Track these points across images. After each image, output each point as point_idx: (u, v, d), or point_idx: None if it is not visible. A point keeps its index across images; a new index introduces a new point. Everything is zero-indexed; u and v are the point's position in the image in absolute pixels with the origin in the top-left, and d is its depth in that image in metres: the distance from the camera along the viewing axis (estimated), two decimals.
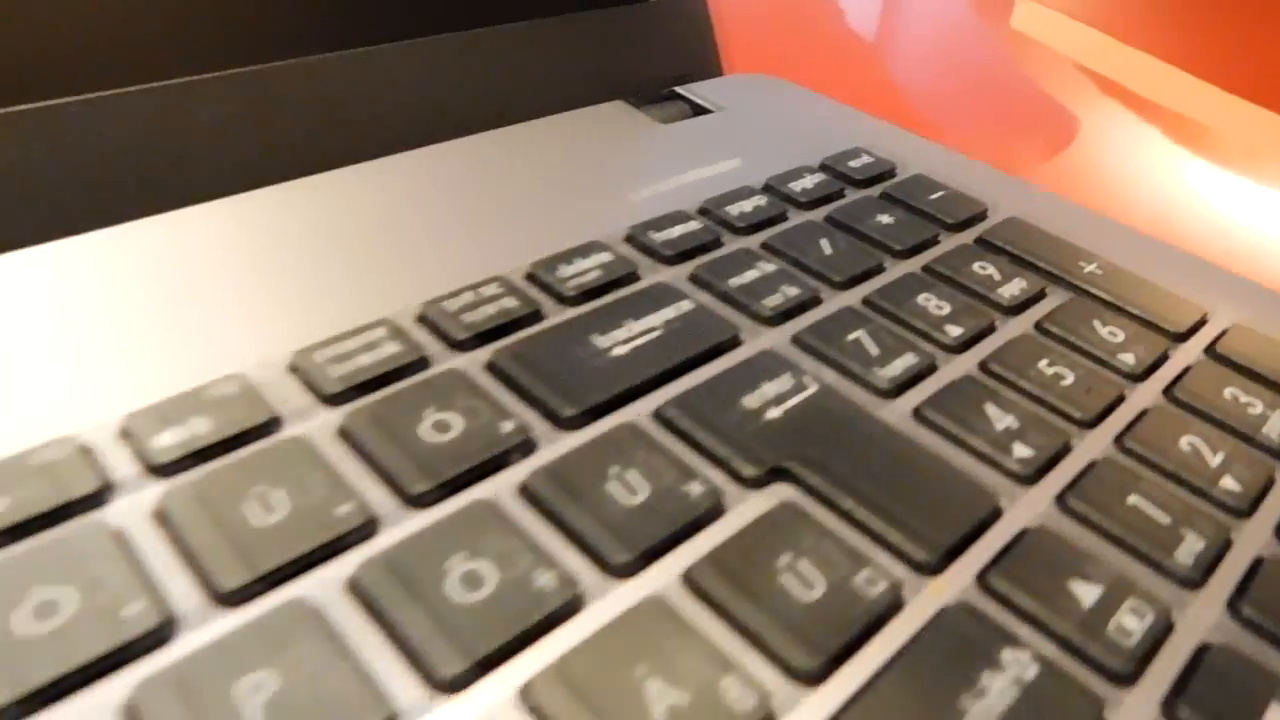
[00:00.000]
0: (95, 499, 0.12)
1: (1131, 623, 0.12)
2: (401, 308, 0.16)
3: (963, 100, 0.40)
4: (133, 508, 0.12)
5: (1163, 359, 0.17)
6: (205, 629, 0.11)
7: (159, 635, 0.10)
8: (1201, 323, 0.19)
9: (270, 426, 0.13)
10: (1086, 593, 0.12)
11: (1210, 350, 0.18)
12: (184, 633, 0.11)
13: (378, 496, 0.13)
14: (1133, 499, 0.14)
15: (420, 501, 0.13)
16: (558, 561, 0.12)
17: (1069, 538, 0.13)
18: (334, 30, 0.21)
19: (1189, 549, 0.13)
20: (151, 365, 0.14)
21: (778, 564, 0.12)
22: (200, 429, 0.13)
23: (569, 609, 0.11)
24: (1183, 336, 0.18)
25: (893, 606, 0.12)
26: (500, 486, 0.13)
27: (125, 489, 0.12)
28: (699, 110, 0.25)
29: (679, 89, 0.26)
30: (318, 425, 0.13)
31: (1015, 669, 0.11)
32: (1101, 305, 0.19)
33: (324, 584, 0.11)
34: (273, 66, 0.20)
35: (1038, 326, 0.18)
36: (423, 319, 0.16)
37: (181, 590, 0.11)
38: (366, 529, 0.12)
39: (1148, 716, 0.11)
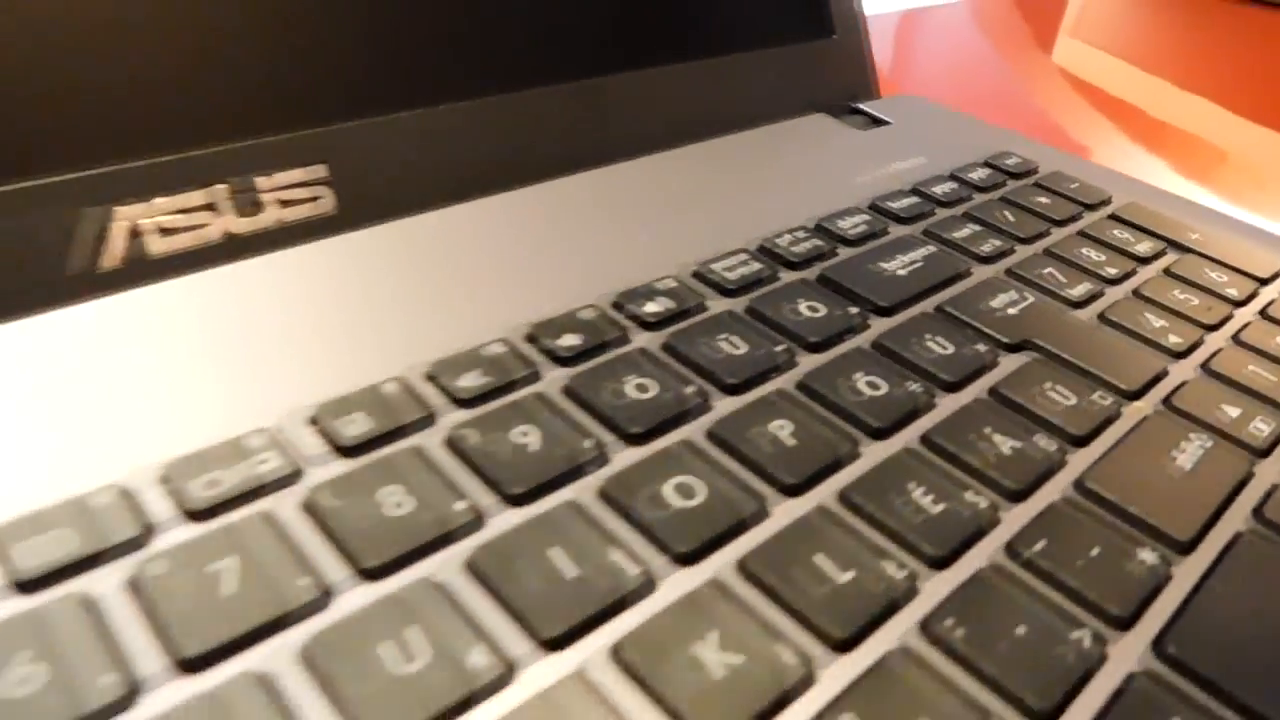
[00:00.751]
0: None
1: (1260, 429, 0.19)
2: (748, 240, 0.24)
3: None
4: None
5: (1255, 293, 0.25)
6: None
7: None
8: (1279, 273, 0.26)
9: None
10: (1231, 412, 0.20)
11: None
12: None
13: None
14: (1249, 369, 0.21)
15: (814, 346, 0.20)
16: (900, 384, 0.19)
17: (1214, 387, 0.21)
18: (598, 59, 0.29)
19: None
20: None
21: (1034, 392, 0.19)
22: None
23: (910, 418, 0.19)
24: (1267, 280, 0.26)
25: (1113, 416, 0.19)
26: (858, 342, 0.20)
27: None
28: (876, 121, 0.33)
29: (857, 105, 0.34)
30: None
31: (1194, 448, 0.19)
32: (1206, 259, 0.26)
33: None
34: (574, 85, 0.28)
35: (1165, 271, 0.25)
36: (761, 249, 0.23)
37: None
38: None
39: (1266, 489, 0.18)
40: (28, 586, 0.13)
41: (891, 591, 0.14)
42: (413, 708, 0.12)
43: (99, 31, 0.20)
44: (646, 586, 0.14)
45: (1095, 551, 0.16)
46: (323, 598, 0.13)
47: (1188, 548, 0.16)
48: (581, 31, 0.27)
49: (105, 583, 0.13)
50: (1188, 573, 0.16)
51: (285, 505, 0.15)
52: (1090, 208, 0.28)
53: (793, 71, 0.33)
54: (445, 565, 0.14)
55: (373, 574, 0.14)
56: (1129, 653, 0.14)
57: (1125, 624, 0.15)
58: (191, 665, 0.12)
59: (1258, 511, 0.17)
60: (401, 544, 0.14)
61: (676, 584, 0.14)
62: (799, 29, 0.33)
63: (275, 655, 0.13)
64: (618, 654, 0.13)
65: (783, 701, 0.13)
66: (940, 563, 0.15)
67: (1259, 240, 0.28)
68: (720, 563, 0.15)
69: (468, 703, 0.12)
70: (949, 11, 0.65)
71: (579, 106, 0.27)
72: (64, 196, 0.19)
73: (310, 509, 0.15)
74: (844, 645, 0.14)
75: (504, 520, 0.15)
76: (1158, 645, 0.14)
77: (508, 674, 0.13)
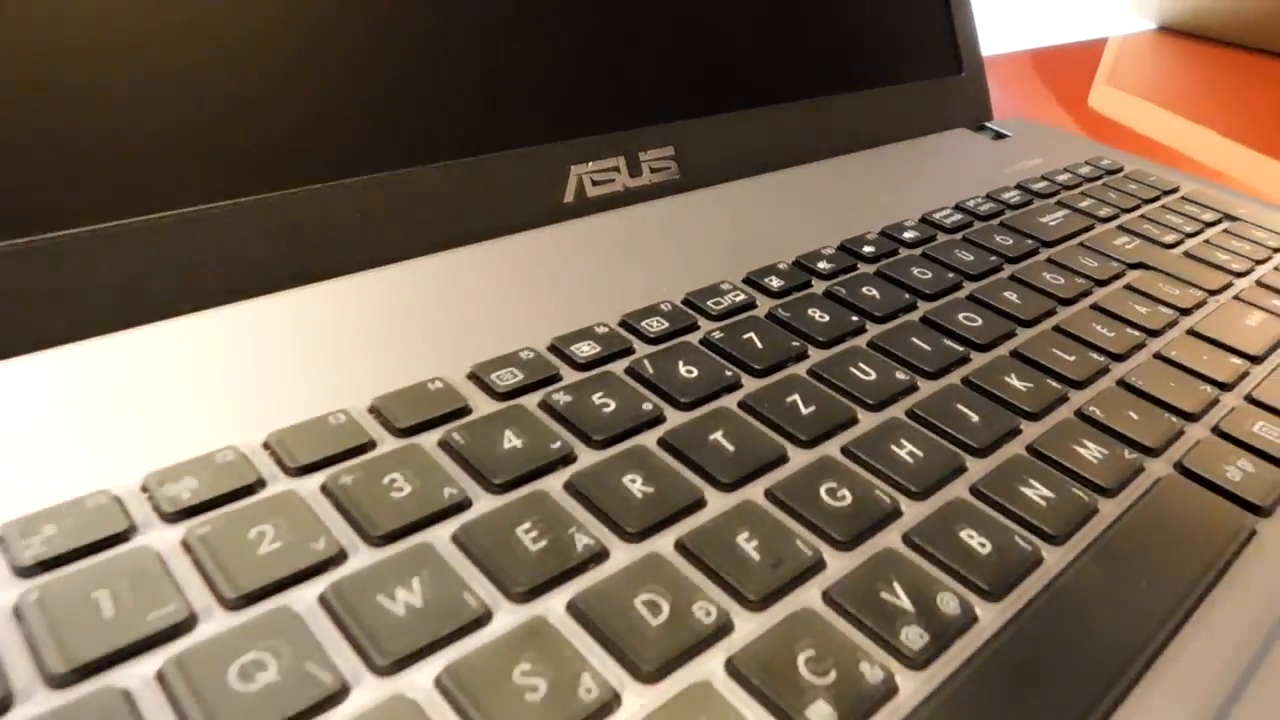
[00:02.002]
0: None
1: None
2: (948, 202, 0.35)
3: None
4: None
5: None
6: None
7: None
8: None
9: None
10: (1275, 302, 0.31)
11: None
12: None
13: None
14: None
15: (1014, 260, 0.31)
16: (1072, 280, 0.31)
17: (1262, 291, 0.32)
18: (816, 85, 0.41)
19: None
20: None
21: (1154, 289, 0.31)
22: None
23: (1081, 298, 0.30)
24: None
25: (1204, 301, 0.31)
26: (1038, 259, 0.32)
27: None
28: (998, 135, 0.45)
29: (983, 123, 0.46)
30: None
31: (1258, 315, 0.30)
32: (1254, 227, 0.38)
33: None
34: (765, 109, 0.40)
35: (1225, 230, 0.37)
36: (957, 207, 0.35)
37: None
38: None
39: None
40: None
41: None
42: None
43: (571, 65, 0.32)
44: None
45: (1255, 320, 0.27)
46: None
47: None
48: (803, 65, 0.39)
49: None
50: None
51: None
52: (1166, 193, 0.40)
53: (936, 98, 0.45)
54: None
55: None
56: None
57: None
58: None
59: None
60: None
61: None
62: (940, 68, 0.46)
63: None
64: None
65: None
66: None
67: None
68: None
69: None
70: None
71: (803, 118, 0.39)
72: (550, 156, 0.31)
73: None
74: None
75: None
76: None
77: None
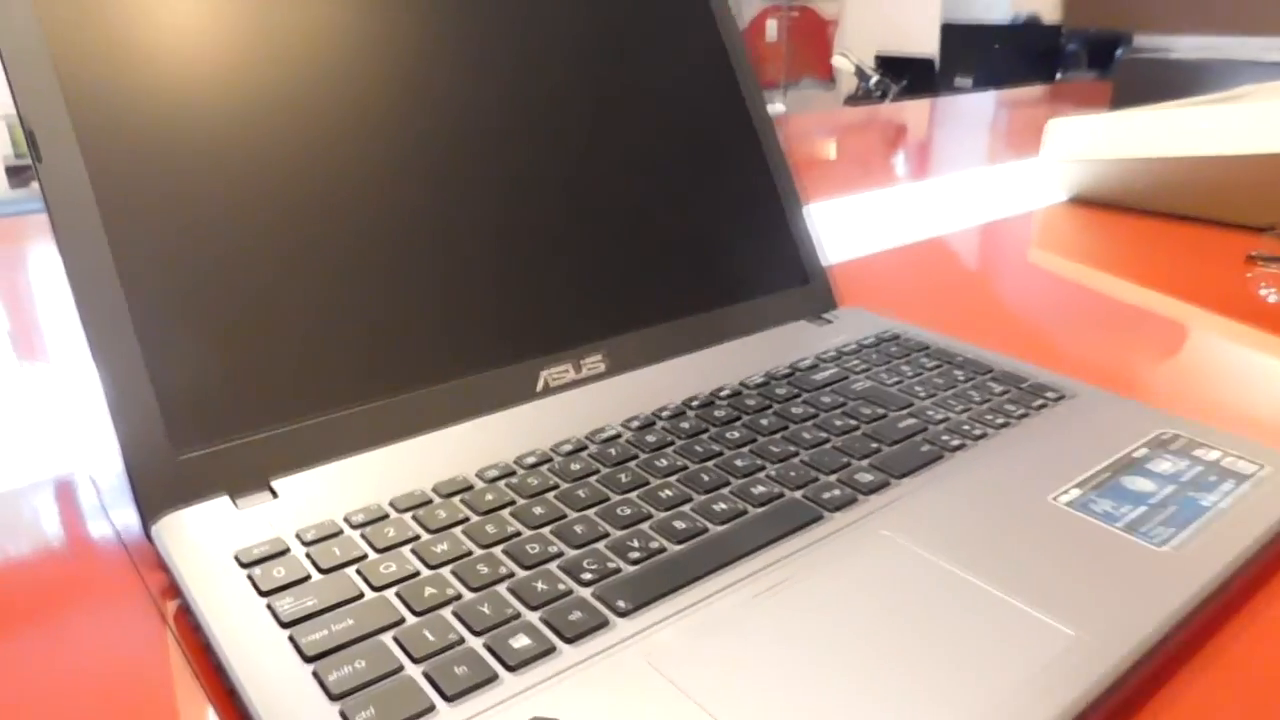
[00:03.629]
0: None
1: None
2: (767, 369, 0.61)
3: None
4: None
5: (1012, 389, 0.61)
6: None
7: None
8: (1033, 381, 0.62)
9: None
10: None
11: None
12: None
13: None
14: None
15: (799, 406, 0.57)
16: (841, 417, 0.56)
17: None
18: (691, 304, 0.68)
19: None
20: None
21: (875, 410, 0.56)
22: None
23: (867, 423, 0.55)
24: (1014, 388, 0.61)
25: (929, 429, 0.55)
26: (815, 406, 0.57)
27: None
28: (825, 322, 0.71)
29: (821, 314, 0.72)
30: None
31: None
32: (955, 367, 0.62)
33: None
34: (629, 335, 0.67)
35: (974, 387, 0.61)
36: (768, 373, 0.61)
37: None
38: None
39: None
40: None
41: None
42: None
43: (540, 314, 0.60)
44: None
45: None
46: None
47: None
48: (691, 294, 0.67)
49: None
50: None
51: None
52: (915, 349, 0.65)
53: (789, 302, 0.71)
54: None
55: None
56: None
57: None
58: None
59: None
60: None
61: None
62: (791, 281, 0.72)
63: None
64: None
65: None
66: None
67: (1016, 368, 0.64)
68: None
69: None
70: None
71: (690, 326, 0.66)
72: (528, 367, 0.59)
73: None
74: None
75: None
76: None
77: None
